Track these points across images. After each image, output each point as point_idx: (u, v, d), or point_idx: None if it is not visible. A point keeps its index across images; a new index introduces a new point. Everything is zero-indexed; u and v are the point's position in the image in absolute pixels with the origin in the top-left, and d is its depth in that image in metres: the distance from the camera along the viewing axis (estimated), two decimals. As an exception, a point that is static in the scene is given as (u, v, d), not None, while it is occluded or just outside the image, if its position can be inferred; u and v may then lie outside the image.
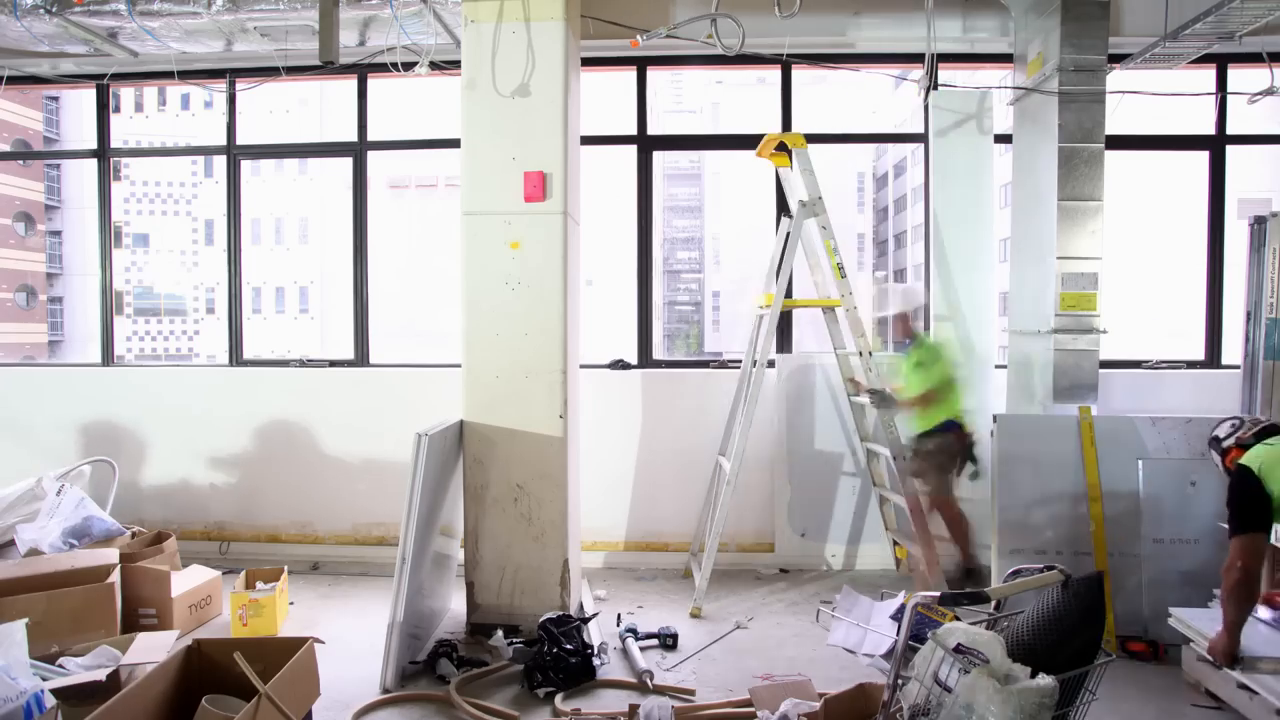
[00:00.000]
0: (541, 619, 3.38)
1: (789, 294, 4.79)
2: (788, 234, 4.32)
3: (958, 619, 2.49)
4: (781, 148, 4.41)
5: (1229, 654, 2.88)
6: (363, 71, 4.95)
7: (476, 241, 3.74)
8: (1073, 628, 2.23)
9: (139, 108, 31.14)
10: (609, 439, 4.76)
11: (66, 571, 3.49)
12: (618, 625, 3.74)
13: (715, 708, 2.97)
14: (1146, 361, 4.81)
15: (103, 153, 5.30)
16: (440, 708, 3.03)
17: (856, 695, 2.70)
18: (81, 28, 4.42)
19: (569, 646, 3.23)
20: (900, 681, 2.28)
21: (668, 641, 3.62)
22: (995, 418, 3.91)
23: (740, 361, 4.77)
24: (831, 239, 4.27)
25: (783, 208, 4.89)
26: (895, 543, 4.68)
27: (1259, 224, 4.34)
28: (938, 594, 2.31)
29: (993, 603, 2.34)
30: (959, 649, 2.14)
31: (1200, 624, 3.16)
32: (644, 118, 4.99)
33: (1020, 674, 2.09)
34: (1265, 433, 2.97)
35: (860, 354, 4.24)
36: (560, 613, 3.50)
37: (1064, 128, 4.15)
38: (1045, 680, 2.06)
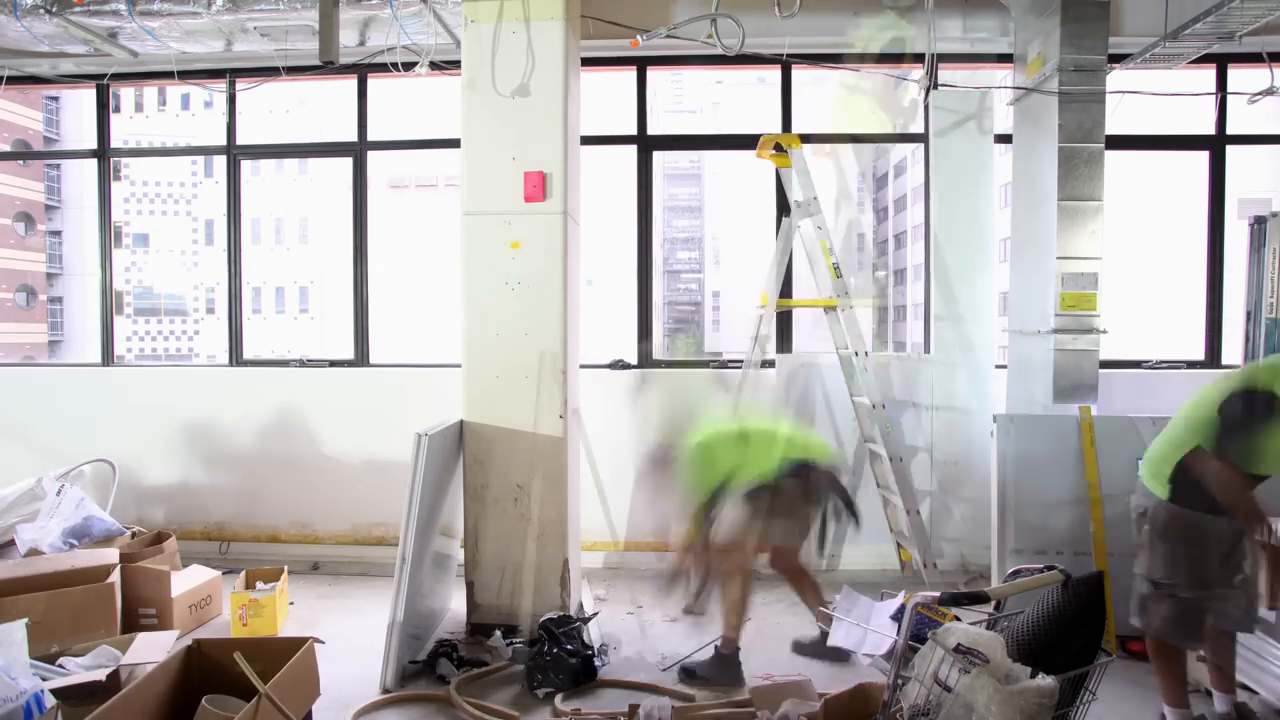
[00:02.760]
0: (541, 619, 3.38)
1: (788, 294, 4.81)
2: (784, 234, 4.34)
3: (958, 619, 2.49)
4: (779, 148, 4.45)
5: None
6: (363, 71, 4.95)
7: (476, 241, 3.73)
8: (1073, 628, 2.23)
9: (139, 108, 31.18)
10: (609, 439, 4.76)
11: (66, 571, 3.48)
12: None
13: (715, 708, 2.97)
14: (1146, 361, 4.81)
15: (103, 153, 5.30)
16: (440, 708, 3.03)
17: (856, 695, 2.69)
18: (81, 28, 4.42)
19: (569, 646, 3.23)
20: (900, 681, 2.28)
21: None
22: (995, 418, 3.91)
23: (740, 361, 4.76)
24: (827, 239, 4.32)
25: (783, 207, 4.88)
26: (899, 545, 4.68)
27: (1259, 224, 4.33)
28: (938, 594, 2.30)
29: (993, 603, 2.34)
30: (959, 649, 2.14)
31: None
32: (644, 118, 4.99)
33: (1020, 674, 2.09)
34: None
35: (857, 354, 4.31)
36: (560, 613, 3.50)
37: (1064, 128, 4.15)
38: (1045, 680, 2.06)
